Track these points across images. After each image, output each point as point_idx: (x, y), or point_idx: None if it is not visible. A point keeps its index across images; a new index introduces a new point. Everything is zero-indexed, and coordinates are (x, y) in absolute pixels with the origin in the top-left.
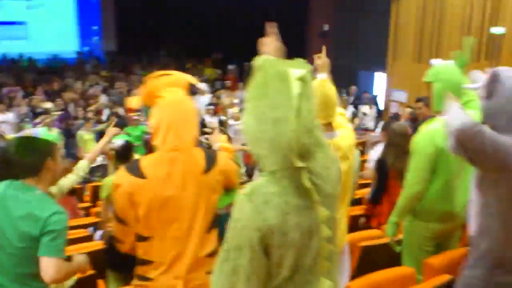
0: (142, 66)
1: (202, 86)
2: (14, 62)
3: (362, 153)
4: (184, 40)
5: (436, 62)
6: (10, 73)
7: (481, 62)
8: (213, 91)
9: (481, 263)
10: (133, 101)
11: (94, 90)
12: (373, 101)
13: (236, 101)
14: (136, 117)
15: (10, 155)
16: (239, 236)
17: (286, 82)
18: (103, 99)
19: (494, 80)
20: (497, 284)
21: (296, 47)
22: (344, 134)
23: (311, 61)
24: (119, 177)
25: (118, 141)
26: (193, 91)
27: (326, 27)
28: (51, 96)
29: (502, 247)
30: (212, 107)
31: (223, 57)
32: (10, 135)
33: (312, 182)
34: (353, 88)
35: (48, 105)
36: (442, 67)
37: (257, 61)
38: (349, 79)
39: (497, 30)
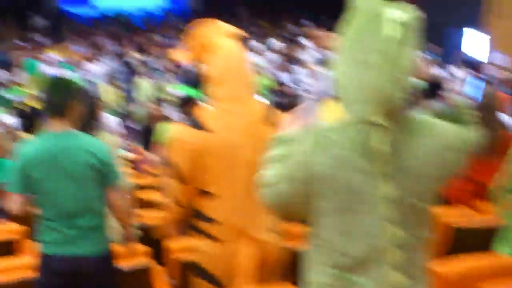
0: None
1: (256, 44)
2: (106, 17)
3: None
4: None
5: None
6: (107, 26)
7: None
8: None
9: None
10: (179, 54)
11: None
12: (465, 62)
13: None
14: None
15: (43, 93)
16: (287, 164)
17: (380, 23)
18: None
19: None
20: None
21: None
22: None
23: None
24: (181, 132)
25: (178, 92)
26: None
27: None
28: (139, 49)
29: None
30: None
31: (301, 13)
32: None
33: (386, 146)
34: (438, 47)
35: (137, 56)
36: None
37: (354, 1)
38: (434, 36)
39: None
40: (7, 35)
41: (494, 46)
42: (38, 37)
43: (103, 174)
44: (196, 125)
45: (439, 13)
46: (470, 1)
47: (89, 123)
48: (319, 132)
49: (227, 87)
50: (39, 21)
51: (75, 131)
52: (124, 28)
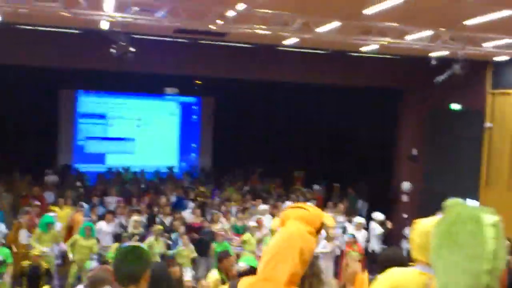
0: (233, 183)
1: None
2: (119, 175)
3: None
4: (273, 161)
5: None
6: (114, 184)
7: None
8: None
9: None
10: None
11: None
12: None
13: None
14: (222, 233)
15: (115, 263)
16: None
17: (481, 228)
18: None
19: None
20: None
21: (383, 169)
22: None
23: (397, 184)
24: None
25: (242, 264)
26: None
27: (415, 151)
28: (149, 207)
29: None
30: None
31: (308, 176)
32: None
33: None
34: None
35: (141, 218)
36: None
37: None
38: (438, 205)
39: None
40: (20, 190)
41: None
42: (47, 194)
43: None
44: None
45: (444, 184)
46: (469, 172)
47: None
48: None
49: (267, 266)
50: (51, 177)
51: None
52: (134, 187)
